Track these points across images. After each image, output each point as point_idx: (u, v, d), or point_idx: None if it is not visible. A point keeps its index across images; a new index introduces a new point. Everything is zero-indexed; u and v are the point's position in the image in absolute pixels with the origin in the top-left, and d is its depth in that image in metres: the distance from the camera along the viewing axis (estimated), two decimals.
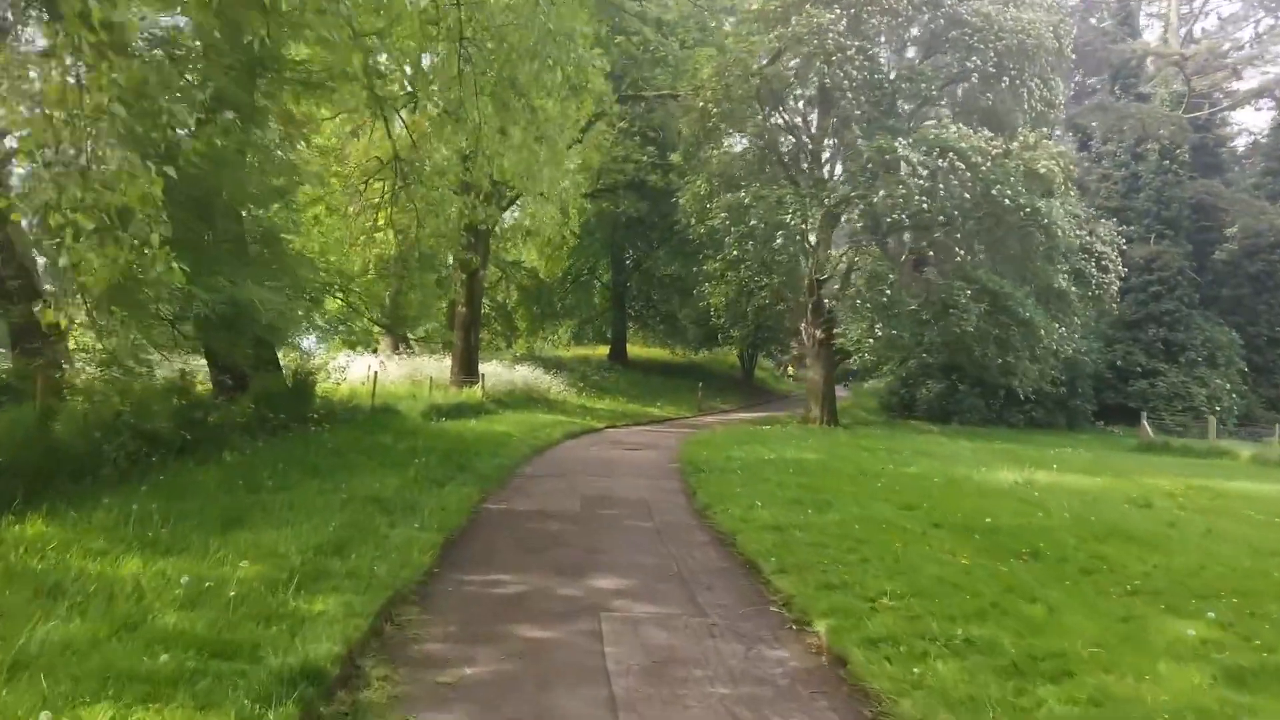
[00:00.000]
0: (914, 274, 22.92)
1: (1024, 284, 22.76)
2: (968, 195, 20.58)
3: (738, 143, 28.38)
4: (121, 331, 7.59)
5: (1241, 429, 31.57)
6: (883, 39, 24.27)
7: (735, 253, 23.70)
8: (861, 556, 7.70)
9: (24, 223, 7.95)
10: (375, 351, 30.00)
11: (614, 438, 21.31)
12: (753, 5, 24.06)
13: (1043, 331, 22.04)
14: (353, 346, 33.88)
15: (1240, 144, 45.64)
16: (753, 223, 22.45)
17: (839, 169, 23.55)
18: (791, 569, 7.35)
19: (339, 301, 13.86)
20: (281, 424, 12.98)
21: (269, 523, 7.39)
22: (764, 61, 23.21)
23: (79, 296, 6.91)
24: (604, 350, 42.83)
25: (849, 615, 5.92)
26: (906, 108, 23.76)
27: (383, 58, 12.78)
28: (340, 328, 13.16)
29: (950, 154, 20.52)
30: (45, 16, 7.55)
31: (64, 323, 6.36)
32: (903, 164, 20.99)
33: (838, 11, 21.73)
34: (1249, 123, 72.35)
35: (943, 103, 22.87)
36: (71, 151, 4.57)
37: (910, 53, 24.51)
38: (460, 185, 13.76)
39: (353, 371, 21.07)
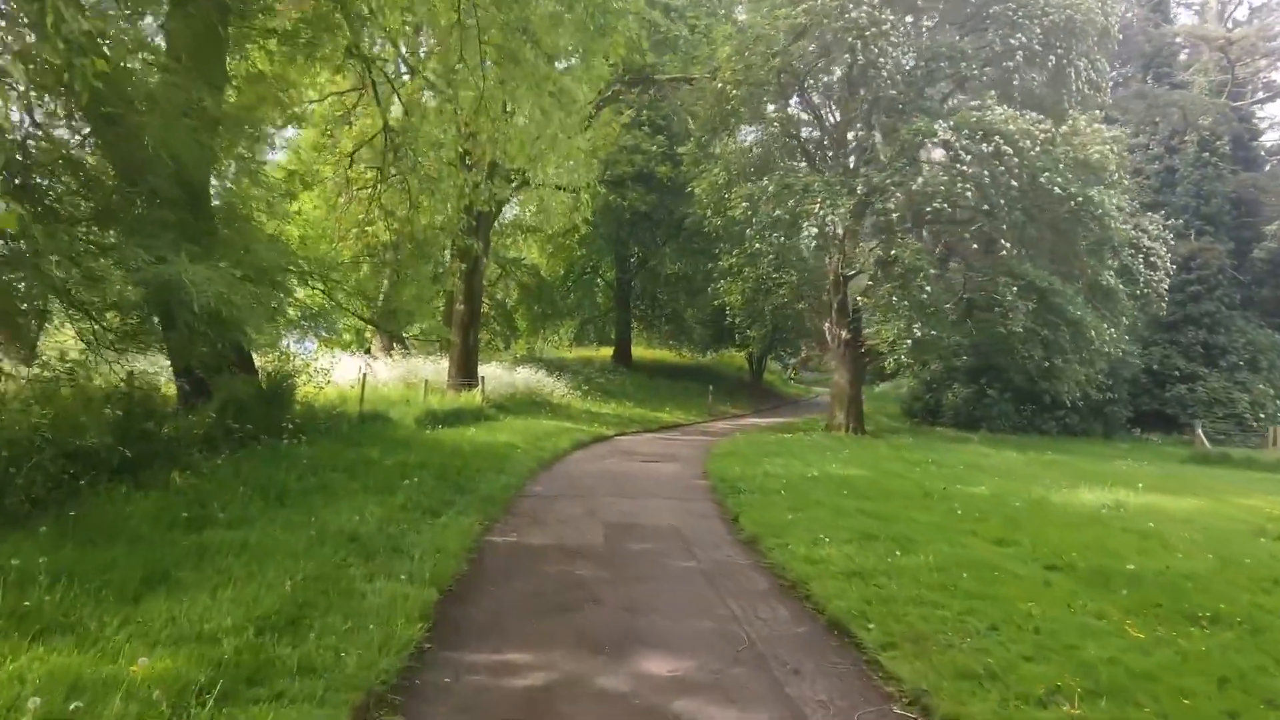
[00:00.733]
0: (955, 269, 21.09)
1: (1070, 281, 20.90)
2: (1015, 183, 18.75)
3: (746, 136, 26.56)
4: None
5: None
6: (919, 14, 22.37)
7: (758, 245, 21.83)
8: (987, 621, 5.87)
9: None
10: (368, 351, 28.21)
11: (627, 447, 19.45)
12: None
13: (1093, 333, 20.20)
14: (345, 346, 32.18)
15: (1268, 139, 43.82)
16: (777, 213, 20.60)
17: (869, 155, 21.59)
18: (902, 640, 5.51)
19: (319, 294, 11.81)
20: (250, 436, 11.10)
21: (205, 579, 5.53)
22: (788, 40, 21.34)
23: None
24: (607, 352, 41.04)
25: None
26: (944, 88, 21.90)
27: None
28: (319, 323, 11.12)
29: (996, 138, 18.69)
30: None
31: None
32: (943, 149, 19.22)
33: None
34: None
35: (983, 83, 20.99)
36: None
37: (948, 30, 22.59)
38: (459, 160, 11.89)
39: (343, 373, 19.26)
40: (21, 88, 6.09)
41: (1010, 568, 7.46)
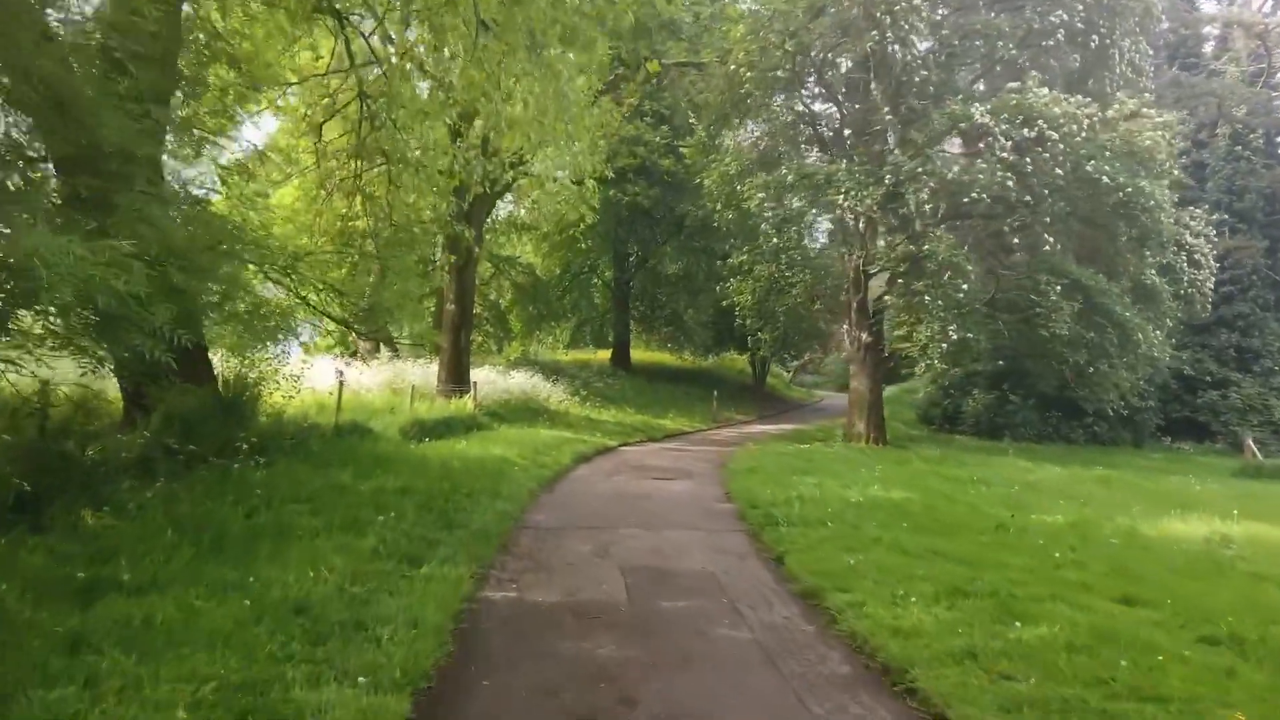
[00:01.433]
0: (990, 265, 19.39)
1: (1114, 279, 19.22)
2: (1060, 172, 17.07)
3: (760, 125, 24.82)
4: None
5: None
6: None
7: (774, 239, 20.06)
8: None
9: None
10: (355, 355, 26.37)
11: (633, 459, 17.69)
12: None
13: (1140, 336, 18.53)
14: (329, 349, 30.31)
15: None
16: (796, 204, 18.86)
17: (892, 141, 19.82)
18: None
19: (293, 289, 10.00)
20: (198, 457, 9.30)
21: (62, 703, 3.74)
22: (807, 18, 19.60)
23: None
24: (605, 354, 39.26)
25: None
26: (977, 69, 20.16)
27: None
28: (279, 323, 9.24)
29: (1039, 121, 17.00)
30: None
31: None
32: (980, 135, 17.56)
33: None
34: None
35: (1021, 65, 19.28)
36: None
37: (980, 8, 20.82)
38: (449, 134, 10.10)
39: (323, 379, 17.46)
40: None
41: (1163, 644, 5.73)
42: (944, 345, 17.46)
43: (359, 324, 10.48)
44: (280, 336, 10.37)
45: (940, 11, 19.95)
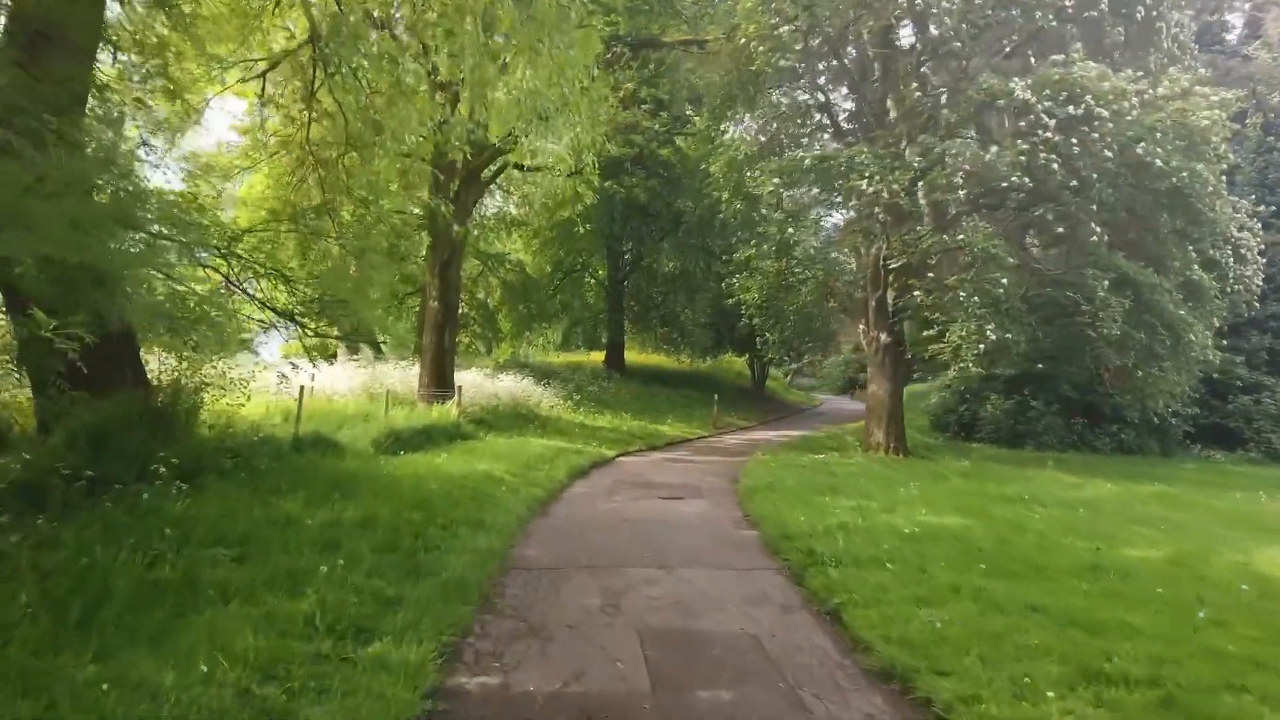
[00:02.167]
0: (1024, 259, 17.64)
1: (1163, 274, 17.51)
2: (1109, 154, 15.36)
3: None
4: None
5: None
6: None
7: (790, 231, 18.29)
8: None
9: None
10: (334, 356, 24.45)
11: (635, 473, 15.88)
12: None
13: (1191, 337, 16.85)
14: (308, 351, 28.35)
15: None
16: (814, 191, 17.10)
17: (925, 120, 18.00)
18: None
19: (223, 273, 8.13)
20: (109, 481, 7.46)
21: None
22: None
23: None
24: (598, 356, 37.49)
25: None
26: (1014, 39, 18.37)
27: None
28: (195, 316, 7.35)
29: (1087, 98, 15.30)
30: None
31: None
32: (1019, 112, 15.85)
33: None
34: None
35: (1066, 36, 17.54)
36: None
37: None
38: (427, 83, 8.28)
39: (293, 381, 15.60)
40: None
41: None
42: (980, 346, 15.70)
43: (306, 318, 8.59)
44: (224, 334, 8.49)
45: None
